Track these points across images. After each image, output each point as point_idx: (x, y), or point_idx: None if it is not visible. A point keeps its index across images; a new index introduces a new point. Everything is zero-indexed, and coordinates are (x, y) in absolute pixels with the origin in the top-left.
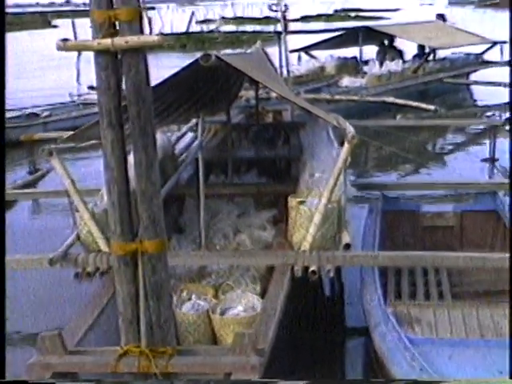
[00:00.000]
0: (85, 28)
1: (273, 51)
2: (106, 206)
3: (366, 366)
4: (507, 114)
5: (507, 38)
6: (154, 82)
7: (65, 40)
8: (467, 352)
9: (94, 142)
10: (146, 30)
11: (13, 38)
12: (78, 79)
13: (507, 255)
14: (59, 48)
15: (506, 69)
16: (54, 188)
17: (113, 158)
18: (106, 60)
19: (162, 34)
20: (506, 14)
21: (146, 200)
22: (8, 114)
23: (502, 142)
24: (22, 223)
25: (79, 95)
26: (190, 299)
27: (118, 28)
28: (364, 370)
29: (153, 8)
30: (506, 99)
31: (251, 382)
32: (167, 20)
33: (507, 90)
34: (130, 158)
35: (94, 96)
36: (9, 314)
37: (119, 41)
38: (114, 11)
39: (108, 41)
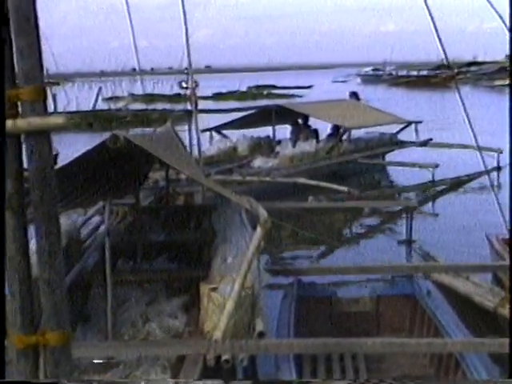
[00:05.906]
0: None
1: (183, 130)
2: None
3: None
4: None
5: (421, 118)
6: (60, 163)
7: None
8: None
9: None
10: (51, 107)
11: None
12: None
13: (425, 340)
14: None
15: (421, 149)
16: None
17: (13, 245)
18: (8, 143)
19: (67, 112)
20: (420, 92)
21: (49, 289)
22: None
23: (418, 223)
24: None
25: None
26: None
27: (19, 108)
28: None
29: (58, 83)
30: (422, 180)
31: None
32: (73, 96)
33: (422, 170)
34: (33, 245)
35: None
36: None
37: (21, 123)
38: (16, 90)
39: (9, 122)
